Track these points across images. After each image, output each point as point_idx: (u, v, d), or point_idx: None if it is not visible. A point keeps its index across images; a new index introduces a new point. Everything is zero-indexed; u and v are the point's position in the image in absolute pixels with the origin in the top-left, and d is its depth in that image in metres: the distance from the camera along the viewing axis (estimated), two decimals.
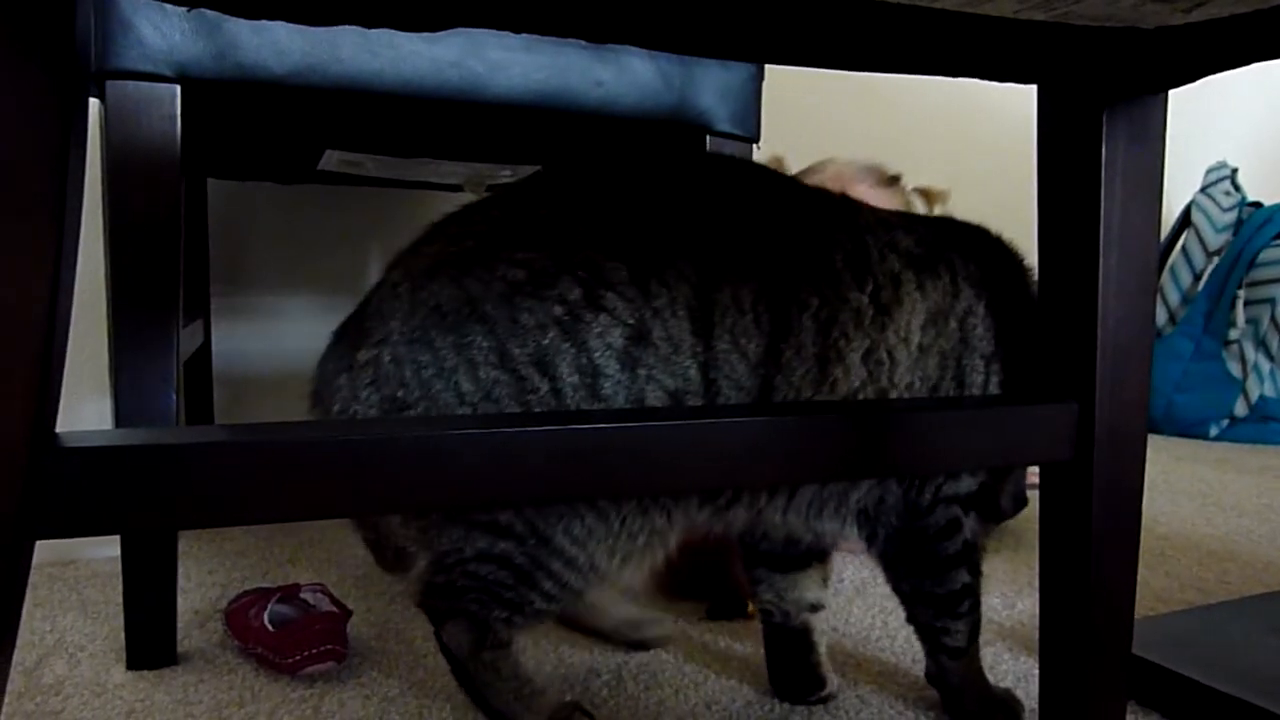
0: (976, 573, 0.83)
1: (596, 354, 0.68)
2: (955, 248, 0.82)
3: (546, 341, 0.68)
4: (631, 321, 0.69)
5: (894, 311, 0.76)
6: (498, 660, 0.78)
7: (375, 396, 0.71)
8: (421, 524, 0.74)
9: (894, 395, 0.76)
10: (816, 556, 0.91)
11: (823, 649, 0.92)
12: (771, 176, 0.84)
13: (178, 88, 0.89)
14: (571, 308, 0.69)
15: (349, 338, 0.75)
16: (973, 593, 0.83)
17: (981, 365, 0.80)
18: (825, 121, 2.02)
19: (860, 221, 0.80)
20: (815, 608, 0.92)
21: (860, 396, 0.75)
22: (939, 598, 0.82)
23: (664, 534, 0.76)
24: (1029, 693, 0.91)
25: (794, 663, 0.91)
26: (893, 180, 1.48)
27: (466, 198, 0.83)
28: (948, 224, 0.87)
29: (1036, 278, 0.87)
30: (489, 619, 0.76)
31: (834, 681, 0.91)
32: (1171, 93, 0.70)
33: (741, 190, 0.79)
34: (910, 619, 0.86)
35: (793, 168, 1.49)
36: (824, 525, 0.82)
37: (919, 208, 1.46)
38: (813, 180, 1.42)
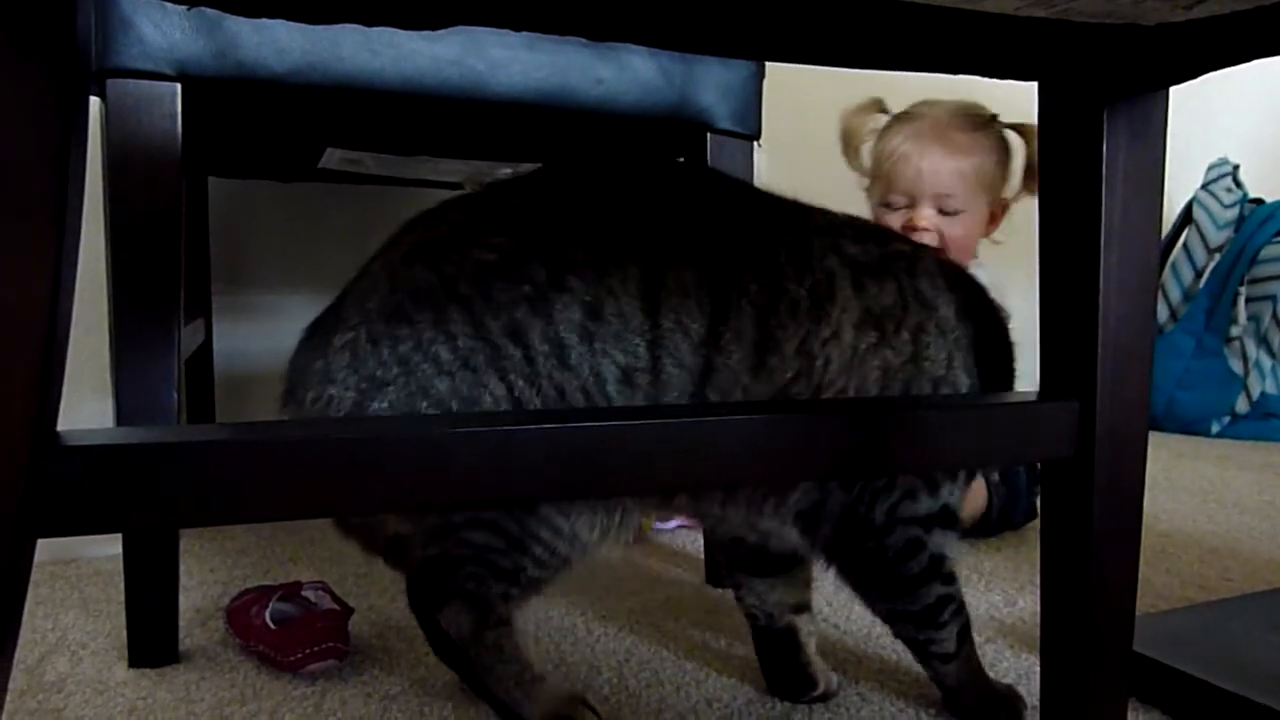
0: (951, 581, 0.83)
1: (561, 327, 0.72)
2: (906, 264, 0.82)
3: (519, 315, 0.72)
4: (588, 299, 0.72)
5: (826, 305, 0.77)
6: (501, 639, 0.79)
7: (353, 378, 0.72)
8: None
9: (827, 396, 0.76)
10: (795, 560, 0.91)
11: (812, 648, 0.92)
12: (734, 185, 0.87)
13: (178, 86, 0.89)
14: (538, 286, 0.72)
15: (322, 329, 0.77)
16: (951, 599, 0.83)
17: (930, 388, 0.80)
18: (826, 119, 2.02)
19: (811, 225, 0.82)
20: (799, 609, 0.92)
21: (794, 389, 0.76)
22: (916, 614, 0.83)
23: (630, 514, 0.78)
24: (1030, 690, 0.91)
25: (784, 664, 0.91)
26: (988, 121, 1.52)
27: None
28: (904, 240, 0.88)
29: (992, 299, 0.88)
30: (488, 595, 0.77)
31: (829, 680, 0.91)
32: (1172, 89, 0.70)
33: (700, 192, 0.82)
34: (896, 635, 0.86)
35: (893, 109, 1.55)
36: (764, 523, 0.83)
37: (1016, 144, 1.50)
38: (911, 125, 1.51)
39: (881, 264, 0.81)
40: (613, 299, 0.73)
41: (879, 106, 1.57)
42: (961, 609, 0.84)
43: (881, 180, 1.51)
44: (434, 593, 0.79)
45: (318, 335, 0.77)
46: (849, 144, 1.57)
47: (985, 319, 0.86)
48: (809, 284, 0.77)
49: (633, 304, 0.73)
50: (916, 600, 0.82)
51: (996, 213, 1.52)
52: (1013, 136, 1.50)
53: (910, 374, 0.79)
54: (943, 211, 1.46)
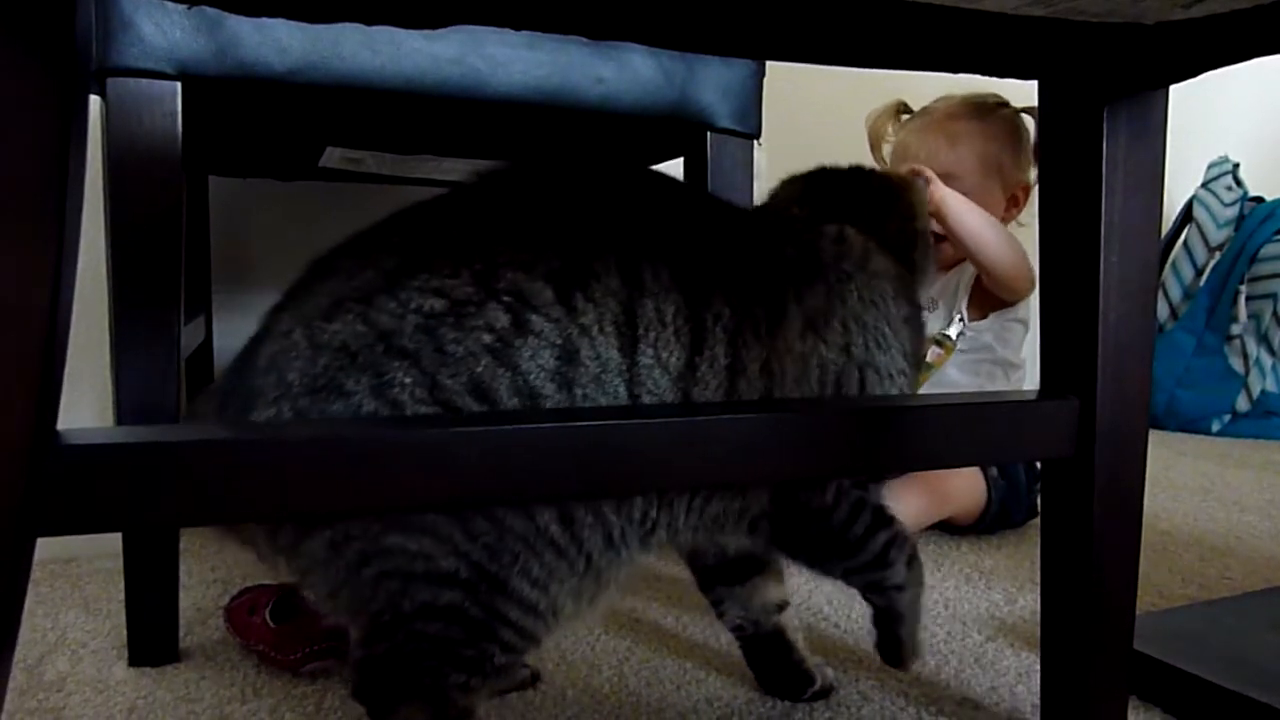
0: (890, 522, 0.82)
1: (532, 376, 0.63)
2: (823, 254, 0.80)
3: (480, 369, 0.62)
4: (559, 341, 0.65)
5: (780, 321, 0.74)
6: None
7: None
8: (349, 587, 0.64)
9: None
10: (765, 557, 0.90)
11: (801, 643, 0.92)
12: (681, 190, 0.83)
13: (179, 85, 0.89)
14: (500, 335, 0.63)
15: (234, 403, 0.65)
16: (896, 536, 0.82)
17: (857, 374, 0.78)
18: (827, 118, 2.02)
19: (758, 232, 0.80)
20: (781, 606, 0.92)
21: None
22: (871, 562, 0.82)
23: (617, 571, 0.71)
24: (1031, 689, 0.91)
25: (779, 666, 0.91)
26: (992, 108, 1.56)
27: None
28: (817, 220, 0.85)
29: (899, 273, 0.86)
30: (445, 687, 0.66)
31: (824, 674, 0.91)
32: (1172, 88, 0.70)
33: (657, 204, 0.77)
34: (850, 585, 0.86)
35: (915, 106, 1.63)
36: (726, 537, 0.81)
37: (1031, 126, 1.55)
38: (918, 120, 1.58)
39: (810, 262, 0.79)
40: (587, 339, 0.65)
41: (900, 108, 1.63)
42: (905, 540, 0.83)
43: None
44: (385, 693, 0.67)
45: (229, 412, 0.65)
46: (874, 144, 1.65)
47: (896, 293, 0.84)
48: (765, 300, 0.74)
49: (609, 343, 0.66)
50: (867, 551, 0.81)
51: (1018, 196, 1.56)
52: (1029, 121, 1.55)
53: (842, 364, 0.77)
54: None
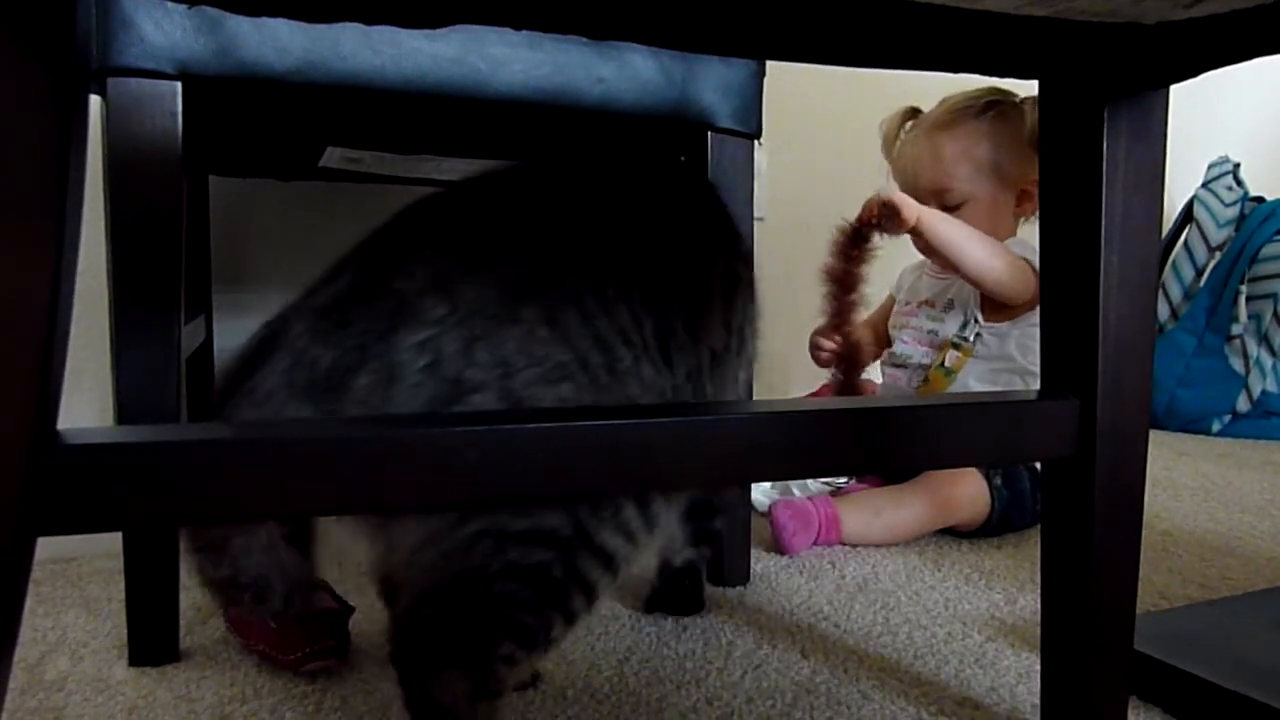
0: None
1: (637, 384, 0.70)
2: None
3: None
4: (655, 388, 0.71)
5: (749, 328, 0.84)
6: (493, 714, 0.68)
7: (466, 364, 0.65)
8: (441, 543, 0.64)
9: None
10: None
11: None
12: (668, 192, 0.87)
13: (179, 85, 0.89)
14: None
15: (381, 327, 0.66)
16: None
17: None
18: (827, 118, 2.02)
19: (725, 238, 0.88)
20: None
21: None
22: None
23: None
24: (1031, 689, 0.91)
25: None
26: (983, 109, 1.53)
27: None
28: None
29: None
30: (491, 657, 0.66)
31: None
32: (1173, 88, 0.70)
33: (669, 207, 0.83)
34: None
35: (928, 107, 1.61)
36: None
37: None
38: (913, 132, 1.57)
39: (748, 266, 0.87)
40: (646, 356, 0.71)
41: (908, 115, 1.61)
42: None
43: (897, 182, 1.57)
44: (428, 656, 0.66)
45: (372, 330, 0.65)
46: (885, 149, 1.63)
47: None
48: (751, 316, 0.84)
49: (656, 360, 0.72)
50: None
51: (1028, 190, 1.52)
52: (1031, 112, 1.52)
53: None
54: (945, 206, 1.47)
